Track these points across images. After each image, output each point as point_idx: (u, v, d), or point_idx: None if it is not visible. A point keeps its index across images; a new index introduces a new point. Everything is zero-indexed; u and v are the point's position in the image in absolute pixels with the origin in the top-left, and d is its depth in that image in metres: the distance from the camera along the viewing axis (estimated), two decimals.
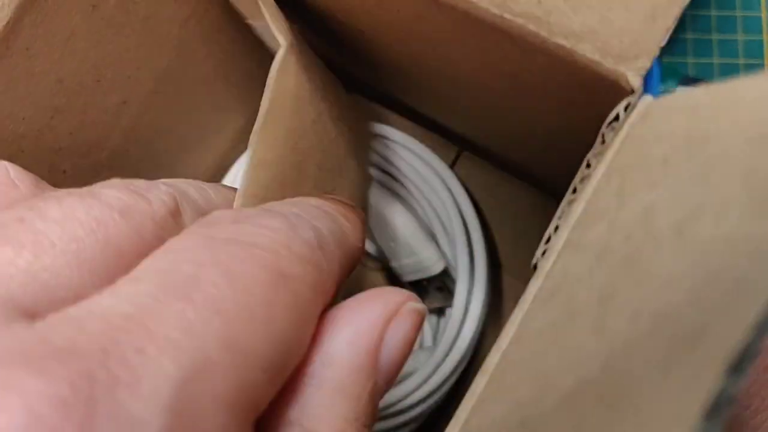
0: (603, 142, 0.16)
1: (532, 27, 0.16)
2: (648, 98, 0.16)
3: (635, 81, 0.16)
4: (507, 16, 0.16)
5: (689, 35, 0.41)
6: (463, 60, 0.22)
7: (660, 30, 0.16)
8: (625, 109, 0.16)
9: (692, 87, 0.13)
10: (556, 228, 0.16)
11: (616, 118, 0.16)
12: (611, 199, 0.14)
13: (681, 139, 0.13)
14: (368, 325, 0.13)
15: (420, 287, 0.34)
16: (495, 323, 0.37)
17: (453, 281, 0.34)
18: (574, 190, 0.17)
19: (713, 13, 0.41)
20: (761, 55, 0.40)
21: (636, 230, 0.12)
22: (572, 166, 0.22)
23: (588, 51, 0.16)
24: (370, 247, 0.37)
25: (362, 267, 0.39)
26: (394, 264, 0.34)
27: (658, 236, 0.11)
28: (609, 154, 0.15)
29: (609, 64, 0.16)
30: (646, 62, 0.16)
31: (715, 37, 0.41)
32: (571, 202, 0.16)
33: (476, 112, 0.29)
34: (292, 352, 0.12)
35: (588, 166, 0.16)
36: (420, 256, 0.33)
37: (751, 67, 0.40)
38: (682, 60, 0.41)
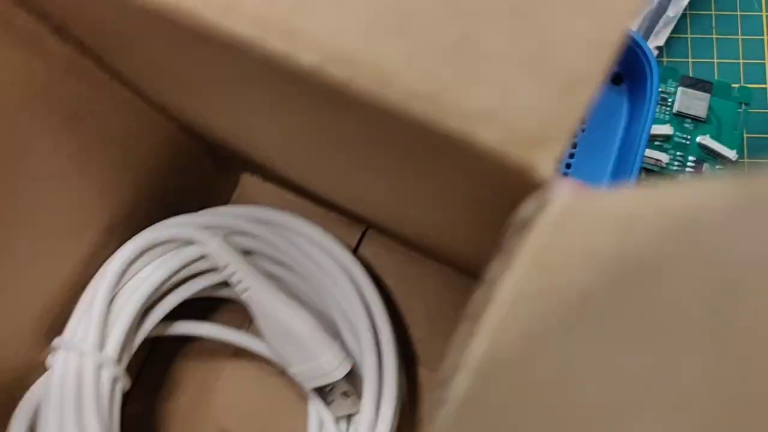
0: (506, 253, 0.12)
1: (417, 107, 0.13)
2: (564, 196, 0.12)
3: (547, 171, 0.12)
4: (388, 94, 0.13)
5: (689, 35, 0.41)
6: (339, 138, 0.18)
7: (578, 105, 0.12)
8: (535, 208, 0.12)
9: (633, 185, 0.09)
10: (454, 366, 0.12)
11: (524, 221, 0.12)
12: (518, 344, 0.10)
13: (612, 265, 0.09)
14: None
15: (324, 393, 0.30)
16: (411, 425, 0.33)
17: (361, 382, 0.30)
18: (475, 316, 0.13)
19: (713, 13, 0.42)
20: (761, 56, 0.41)
21: (558, 404, 0.08)
22: (487, 251, 0.18)
23: (489, 135, 0.12)
24: (266, 350, 0.32)
25: (261, 372, 0.34)
26: (292, 371, 0.30)
27: (588, 420, 0.08)
28: (513, 276, 0.11)
29: (514, 151, 0.12)
30: (559, 147, 0.12)
31: (714, 36, 0.41)
32: (470, 335, 0.12)
33: (373, 196, 0.25)
34: None
35: (490, 283, 0.13)
36: (320, 361, 0.29)
37: (752, 67, 0.41)
38: (682, 60, 0.41)
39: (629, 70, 0.36)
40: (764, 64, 0.40)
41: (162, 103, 0.27)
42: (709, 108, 0.39)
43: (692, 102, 0.39)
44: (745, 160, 0.39)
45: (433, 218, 0.22)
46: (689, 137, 0.39)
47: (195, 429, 0.34)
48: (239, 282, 0.29)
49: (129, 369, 0.28)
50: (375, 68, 0.13)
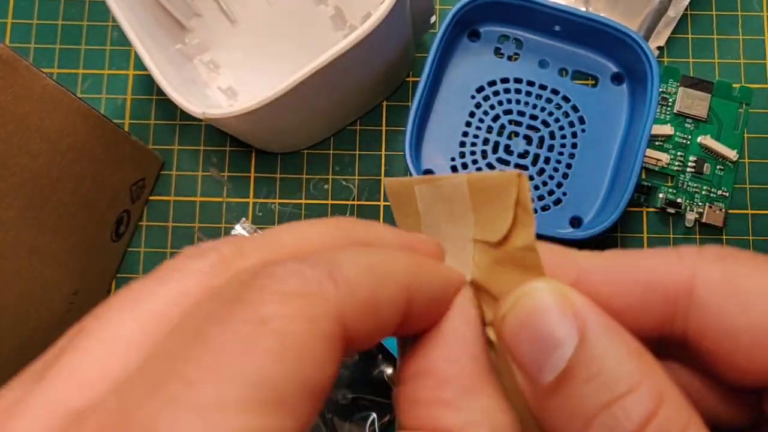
0: None
1: None
2: None
3: None
4: None
5: (689, 35, 0.42)
6: None
7: None
8: None
9: None
10: None
11: None
12: None
13: None
14: None
15: None
16: None
17: None
18: None
19: (714, 13, 0.42)
20: (762, 55, 0.41)
21: None
22: None
23: None
24: None
25: None
26: None
27: None
28: None
29: None
30: None
31: (715, 37, 0.42)
32: None
33: None
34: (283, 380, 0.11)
35: None
36: None
37: (752, 67, 0.41)
38: (682, 60, 0.41)
39: (630, 70, 0.36)
40: (765, 64, 0.41)
41: None
42: (710, 108, 0.39)
43: (693, 102, 0.39)
44: (746, 160, 0.39)
45: None
46: (690, 137, 0.39)
47: None
48: None
49: None
50: None
